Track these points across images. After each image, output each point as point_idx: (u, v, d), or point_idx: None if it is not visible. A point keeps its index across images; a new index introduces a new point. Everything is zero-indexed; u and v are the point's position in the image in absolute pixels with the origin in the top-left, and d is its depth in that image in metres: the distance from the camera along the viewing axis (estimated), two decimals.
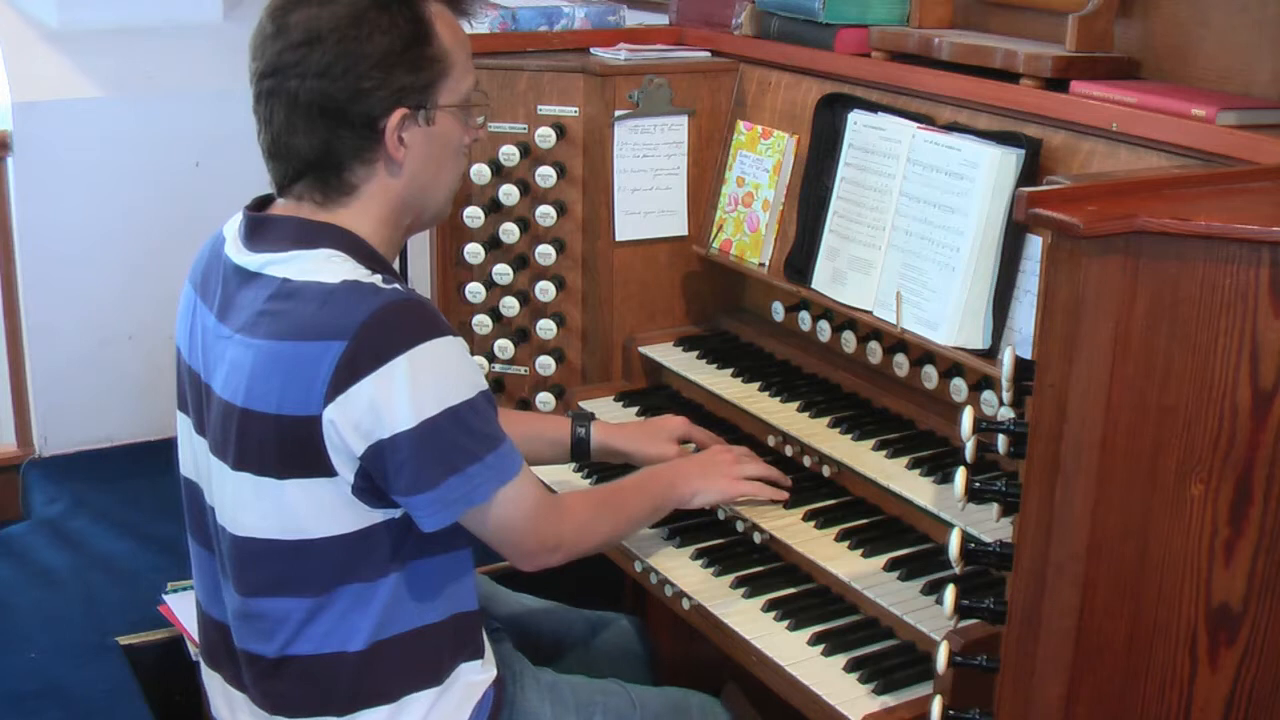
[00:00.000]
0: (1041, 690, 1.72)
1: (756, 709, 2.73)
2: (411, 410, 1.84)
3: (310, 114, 1.92)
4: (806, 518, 2.38)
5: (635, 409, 2.81)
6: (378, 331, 1.84)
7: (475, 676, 2.09)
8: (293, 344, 1.86)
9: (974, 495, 1.79)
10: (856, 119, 2.55)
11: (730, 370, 2.79)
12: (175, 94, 3.72)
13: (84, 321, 3.70)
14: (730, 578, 2.33)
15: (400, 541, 1.97)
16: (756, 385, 2.70)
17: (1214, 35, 2.26)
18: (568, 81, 2.87)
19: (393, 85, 1.93)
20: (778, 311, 2.80)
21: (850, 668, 2.09)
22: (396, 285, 1.90)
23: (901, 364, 2.53)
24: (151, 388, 3.70)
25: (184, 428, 2.12)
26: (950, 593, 1.80)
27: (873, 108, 2.55)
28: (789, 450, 2.54)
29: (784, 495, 2.42)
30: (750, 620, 2.22)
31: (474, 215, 2.91)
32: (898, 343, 2.51)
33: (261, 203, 2.05)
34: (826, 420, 2.54)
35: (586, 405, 2.82)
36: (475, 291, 2.94)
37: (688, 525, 2.46)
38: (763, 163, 2.79)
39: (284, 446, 1.89)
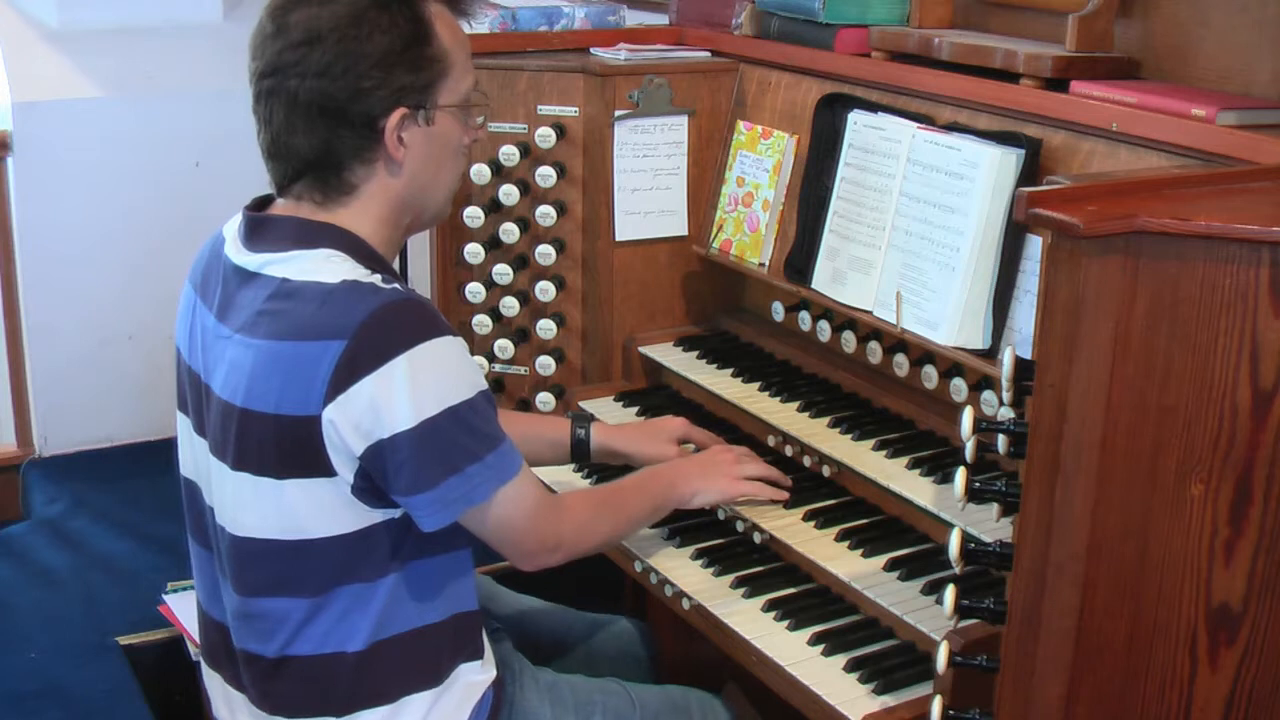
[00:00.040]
0: (1041, 690, 1.71)
1: (756, 709, 2.73)
2: (411, 410, 1.84)
3: (310, 114, 1.92)
4: (806, 518, 2.38)
5: (635, 409, 2.81)
6: (377, 331, 1.84)
7: (475, 677, 2.08)
8: (292, 344, 1.86)
9: (974, 495, 1.79)
10: (856, 119, 2.55)
11: (730, 370, 2.78)
12: (175, 94, 3.72)
13: (84, 321, 3.71)
14: (730, 578, 2.33)
15: (400, 542, 1.97)
16: (756, 385, 2.70)
17: (1214, 35, 2.26)
18: (568, 81, 2.87)
19: (392, 85, 1.93)
20: (778, 311, 2.80)
21: (850, 668, 2.09)
22: (396, 285, 1.90)
23: (901, 364, 2.53)
24: (151, 388, 3.71)
25: (184, 428, 2.12)
26: (950, 593, 1.80)
27: (873, 108, 2.55)
28: (789, 450, 2.54)
29: (784, 495, 2.42)
30: (750, 620, 2.22)
31: (474, 215, 2.90)
32: (898, 343, 2.51)
33: (261, 203, 2.05)
34: (826, 420, 2.54)
35: (586, 405, 2.82)
36: (475, 291, 2.94)
37: (688, 525, 2.46)
38: (763, 163, 2.79)
39: (283, 446, 1.89)
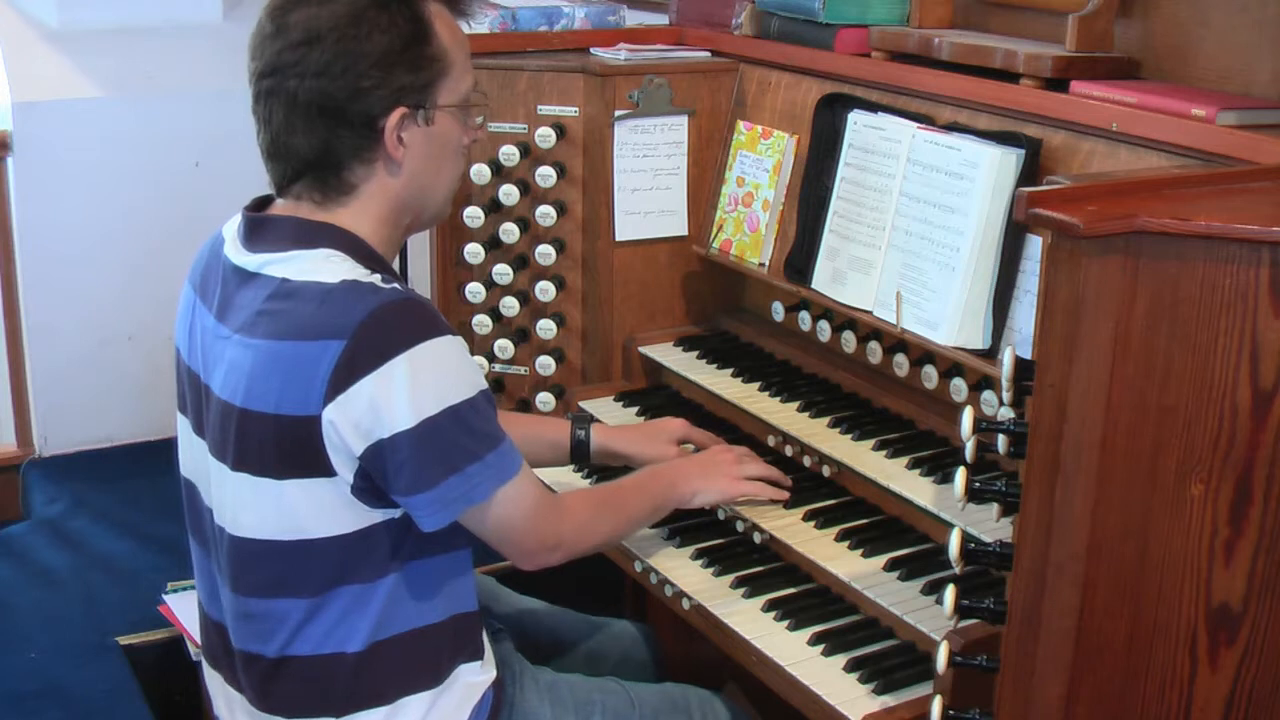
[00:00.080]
0: (1041, 690, 1.71)
1: (756, 709, 2.73)
2: (411, 409, 1.84)
3: (309, 113, 1.92)
4: (806, 518, 2.38)
5: (635, 409, 2.81)
6: (377, 331, 1.84)
7: (474, 677, 2.08)
8: (292, 344, 1.86)
9: (974, 495, 1.79)
10: (856, 119, 2.55)
11: (730, 370, 2.78)
12: (175, 94, 3.72)
13: (84, 321, 3.71)
14: (730, 578, 2.33)
15: (399, 542, 1.96)
16: (756, 385, 2.70)
17: (1214, 35, 2.26)
18: (568, 81, 2.87)
19: (392, 85, 1.93)
20: (778, 311, 2.80)
21: (850, 668, 2.09)
22: (395, 285, 1.90)
23: (901, 364, 2.53)
24: (151, 388, 3.71)
25: (183, 429, 2.12)
26: (950, 593, 1.80)
27: (873, 108, 2.55)
28: (789, 450, 2.54)
29: (784, 495, 2.42)
30: (750, 620, 2.22)
31: (474, 215, 2.90)
32: (898, 343, 2.51)
33: (260, 203, 2.05)
34: (826, 420, 2.54)
35: (586, 405, 2.82)
36: (475, 291, 2.94)
37: (688, 525, 2.46)
38: (763, 163, 2.79)
39: (283, 446, 1.89)
